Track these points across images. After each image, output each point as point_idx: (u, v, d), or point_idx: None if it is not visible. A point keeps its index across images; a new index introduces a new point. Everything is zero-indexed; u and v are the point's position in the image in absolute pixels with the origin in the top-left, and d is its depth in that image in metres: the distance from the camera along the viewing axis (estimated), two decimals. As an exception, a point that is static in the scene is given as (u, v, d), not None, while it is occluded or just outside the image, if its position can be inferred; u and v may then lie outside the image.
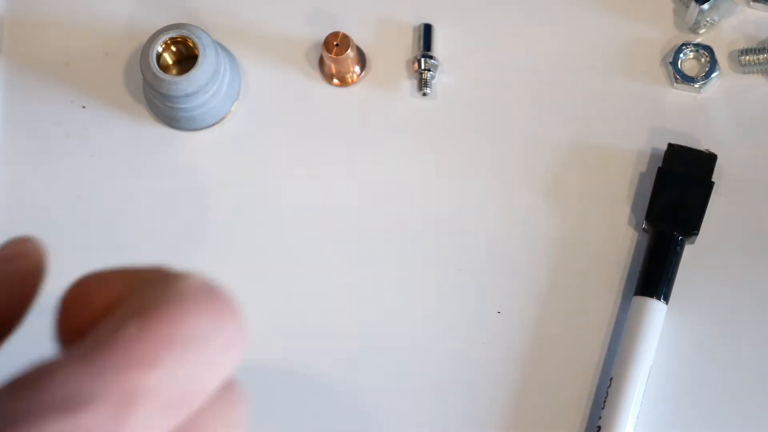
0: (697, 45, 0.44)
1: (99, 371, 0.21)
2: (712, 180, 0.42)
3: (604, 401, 0.40)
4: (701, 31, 0.45)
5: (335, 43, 0.43)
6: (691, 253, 0.42)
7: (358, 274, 0.43)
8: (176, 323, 0.22)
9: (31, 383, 0.20)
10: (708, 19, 0.44)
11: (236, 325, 0.23)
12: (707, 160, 0.42)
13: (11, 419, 0.20)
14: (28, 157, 0.44)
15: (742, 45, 0.44)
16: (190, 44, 0.42)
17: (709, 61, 0.44)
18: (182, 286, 0.22)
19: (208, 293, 0.22)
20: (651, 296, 0.40)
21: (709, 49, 0.44)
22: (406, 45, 0.45)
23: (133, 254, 0.43)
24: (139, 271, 0.24)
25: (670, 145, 0.42)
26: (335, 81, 0.45)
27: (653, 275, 0.41)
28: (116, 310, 0.22)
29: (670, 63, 0.44)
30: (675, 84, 0.44)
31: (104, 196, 0.43)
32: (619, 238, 0.43)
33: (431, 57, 0.44)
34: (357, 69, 0.44)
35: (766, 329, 0.41)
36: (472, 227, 0.43)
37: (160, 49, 0.42)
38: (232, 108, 0.44)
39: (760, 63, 0.43)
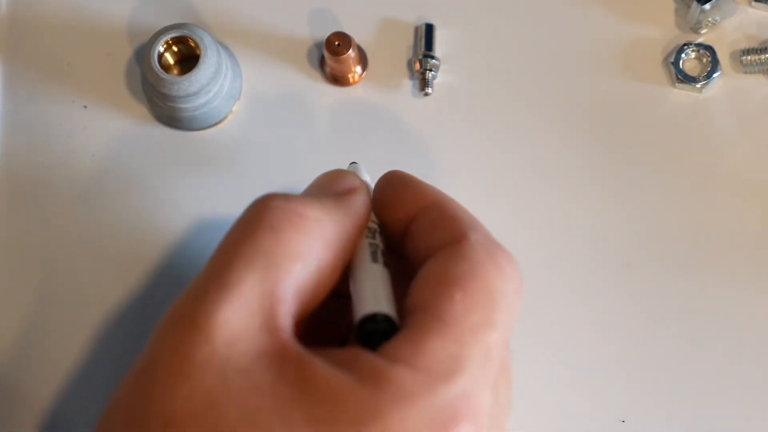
0: (698, 45, 0.44)
1: (461, 338, 0.27)
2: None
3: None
4: (703, 31, 0.45)
5: (336, 42, 0.43)
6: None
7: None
8: (487, 287, 0.28)
9: (410, 355, 0.27)
10: (710, 19, 0.44)
11: (518, 275, 0.29)
12: None
13: (407, 394, 0.26)
14: (29, 157, 0.44)
15: (744, 45, 0.44)
16: (192, 44, 0.42)
17: (710, 61, 0.44)
18: (474, 250, 0.29)
19: (491, 252, 0.29)
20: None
21: (710, 49, 0.44)
22: (407, 45, 0.45)
23: (135, 255, 0.43)
24: (429, 201, 0.31)
25: None
26: (336, 81, 0.44)
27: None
28: (429, 267, 0.29)
29: (672, 63, 0.44)
30: (676, 84, 0.44)
31: (105, 196, 0.43)
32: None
33: (433, 57, 0.44)
34: (358, 69, 0.44)
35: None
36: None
37: (161, 49, 0.42)
38: (233, 108, 0.44)
39: (761, 63, 0.43)
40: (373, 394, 0.26)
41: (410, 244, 0.31)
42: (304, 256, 0.28)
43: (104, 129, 0.44)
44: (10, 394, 0.41)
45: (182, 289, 0.42)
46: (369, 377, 0.26)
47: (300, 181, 0.43)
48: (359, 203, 0.32)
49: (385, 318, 0.29)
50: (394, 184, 0.33)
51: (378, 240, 0.32)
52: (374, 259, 0.31)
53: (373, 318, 0.29)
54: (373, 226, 0.33)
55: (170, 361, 0.26)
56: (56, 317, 0.42)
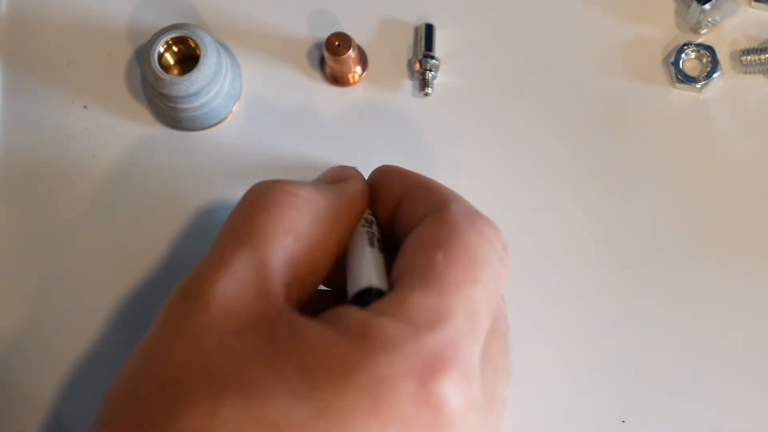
0: (698, 45, 0.44)
1: (443, 292, 0.28)
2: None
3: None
4: (703, 31, 0.45)
5: (336, 43, 0.43)
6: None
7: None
8: (468, 248, 0.29)
9: (394, 309, 0.28)
10: (709, 19, 0.44)
11: (501, 241, 0.30)
12: None
13: (393, 342, 0.26)
14: (29, 157, 0.44)
15: (744, 45, 0.44)
16: (192, 44, 0.42)
17: (710, 62, 0.44)
18: (454, 216, 0.30)
19: (471, 218, 0.30)
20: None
21: (710, 49, 0.44)
22: (407, 45, 0.45)
23: (135, 255, 0.43)
24: (413, 183, 0.33)
25: None
26: (336, 81, 0.44)
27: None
28: (412, 235, 0.30)
29: (672, 63, 0.44)
30: (676, 84, 0.44)
31: (105, 196, 0.43)
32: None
33: (433, 57, 0.44)
34: (358, 69, 0.44)
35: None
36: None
37: (161, 49, 0.42)
38: (233, 108, 0.44)
39: (761, 63, 0.43)
40: (360, 343, 0.27)
41: (397, 224, 0.33)
42: (295, 230, 0.30)
43: (104, 129, 0.44)
44: (12, 392, 0.41)
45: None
46: (356, 329, 0.27)
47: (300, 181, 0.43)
48: (353, 187, 0.34)
49: (378, 292, 0.30)
50: (381, 175, 0.35)
51: (374, 230, 0.33)
52: (370, 244, 0.32)
53: (367, 292, 0.30)
54: (370, 218, 0.34)
55: (171, 331, 0.28)
56: (57, 317, 0.42)
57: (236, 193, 0.43)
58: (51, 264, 0.43)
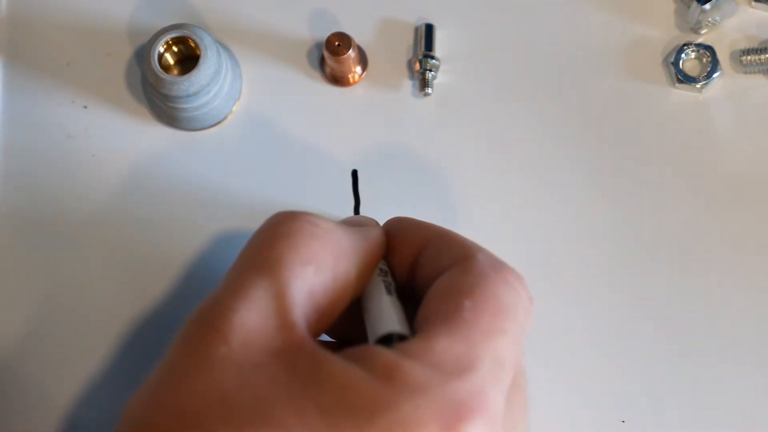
0: (698, 45, 0.44)
1: (470, 339, 0.28)
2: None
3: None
4: (703, 31, 0.45)
5: (337, 43, 0.42)
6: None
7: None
8: (495, 297, 0.29)
9: (422, 353, 0.27)
10: (710, 19, 0.44)
11: (527, 292, 0.30)
12: None
13: (420, 386, 0.26)
14: (29, 157, 0.44)
15: (744, 45, 0.44)
16: (192, 44, 0.42)
17: (710, 62, 0.44)
18: (481, 265, 0.30)
19: (497, 268, 0.30)
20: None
21: (710, 49, 0.44)
22: (407, 45, 0.45)
23: (136, 254, 0.43)
24: (432, 234, 0.32)
25: None
26: (336, 81, 0.44)
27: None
28: (438, 283, 0.30)
29: (672, 63, 0.44)
30: (676, 84, 0.44)
31: (106, 196, 0.43)
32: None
33: (433, 57, 0.44)
34: (358, 69, 0.44)
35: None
36: (472, 227, 0.43)
37: (161, 50, 0.42)
38: (234, 108, 0.44)
39: (761, 63, 0.43)
40: (386, 385, 0.26)
41: (419, 275, 0.32)
42: (317, 261, 0.29)
43: (104, 129, 0.44)
44: (20, 395, 0.41)
45: (182, 285, 0.42)
46: (382, 370, 0.26)
47: (299, 182, 0.43)
48: (373, 232, 0.33)
49: (400, 338, 0.29)
50: (396, 227, 0.34)
51: (390, 279, 0.33)
52: (388, 292, 0.32)
53: (389, 337, 0.29)
54: (384, 268, 0.33)
55: (188, 360, 0.28)
56: (60, 318, 0.42)
57: (236, 193, 0.43)
58: (51, 263, 0.43)
